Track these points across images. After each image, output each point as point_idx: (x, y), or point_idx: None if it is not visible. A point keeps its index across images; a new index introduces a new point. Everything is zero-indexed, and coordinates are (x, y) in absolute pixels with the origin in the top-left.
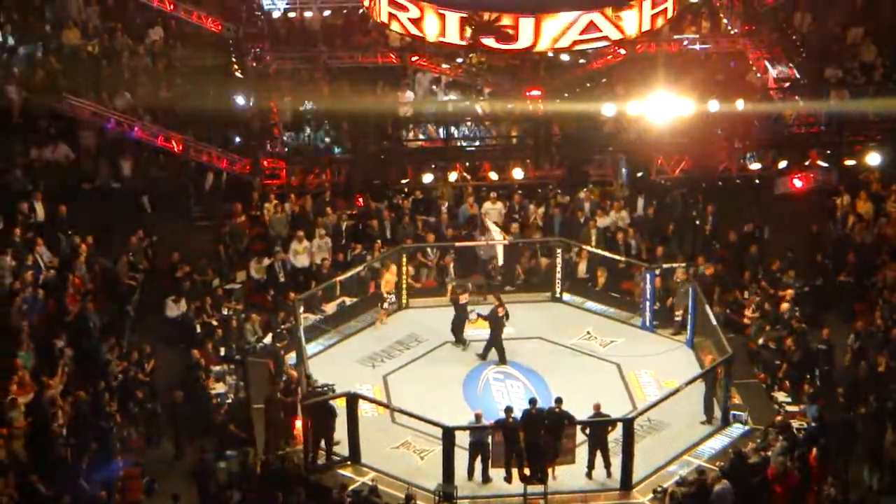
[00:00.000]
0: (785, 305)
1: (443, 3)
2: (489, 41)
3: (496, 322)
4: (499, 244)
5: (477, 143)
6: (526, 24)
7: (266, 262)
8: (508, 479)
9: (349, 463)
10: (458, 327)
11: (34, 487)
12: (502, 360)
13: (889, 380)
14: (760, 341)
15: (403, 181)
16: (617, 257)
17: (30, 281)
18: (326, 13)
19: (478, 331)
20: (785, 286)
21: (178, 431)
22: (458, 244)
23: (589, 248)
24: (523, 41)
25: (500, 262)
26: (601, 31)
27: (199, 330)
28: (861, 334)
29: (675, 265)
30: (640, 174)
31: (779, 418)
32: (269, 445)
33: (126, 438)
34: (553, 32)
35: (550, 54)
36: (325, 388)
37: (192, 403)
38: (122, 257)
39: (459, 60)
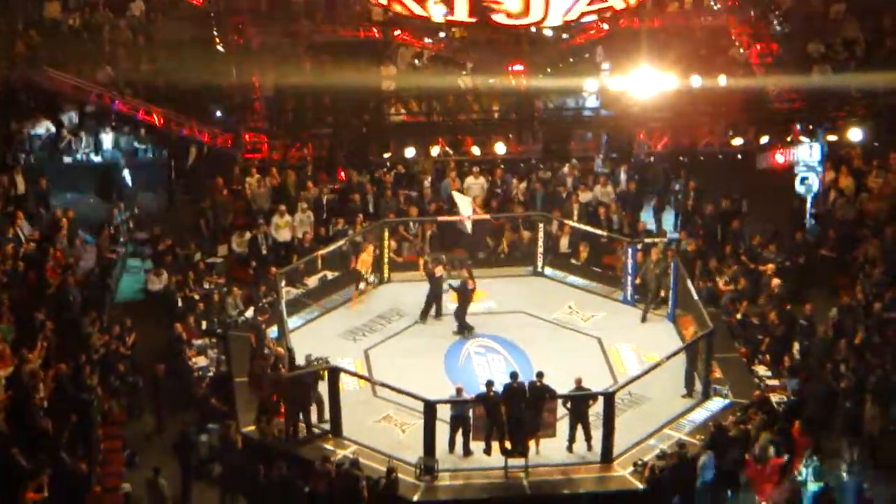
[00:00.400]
0: (776, 281)
1: None
2: (500, 17)
3: (464, 294)
4: (466, 217)
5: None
6: None
7: (248, 235)
8: (488, 451)
9: (331, 436)
10: (432, 300)
11: (15, 460)
12: (460, 331)
13: (869, 353)
14: (739, 315)
15: (386, 155)
16: (599, 232)
17: (10, 254)
18: None
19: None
20: (765, 261)
21: (159, 405)
22: (439, 218)
23: (571, 222)
24: (534, 15)
25: (469, 231)
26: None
27: (180, 304)
28: (844, 308)
29: (655, 240)
30: (621, 149)
31: (758, 392)
32: (259, 420)
33: (107, 412)
34: (564, 5)
35: (534, 29)
36: (319, 361)
37: (174, 377)
38: (104, 231)
39: (442, 35)
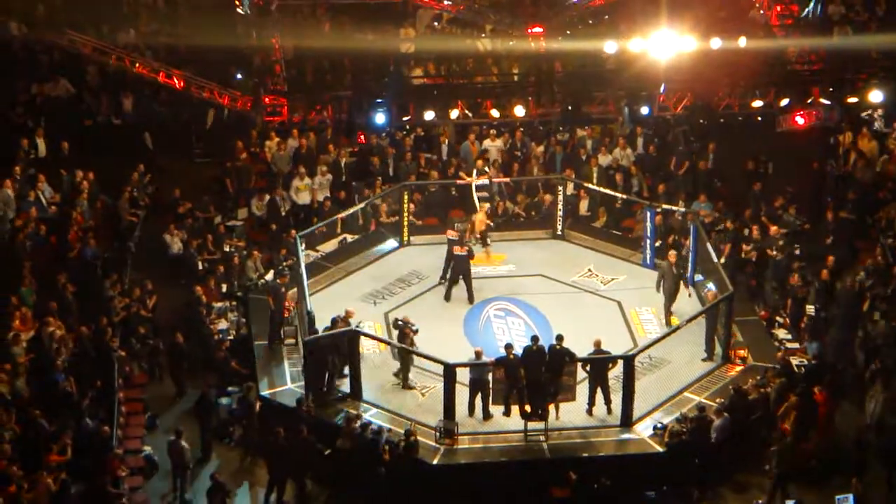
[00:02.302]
0: (774, 229)
1: None
2: None
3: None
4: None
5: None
6: None
7: (267, 198)
8: (507, 413)
9: (350, 399)
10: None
11: (37, 423)
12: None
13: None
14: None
15: (405, 118)
16: (618, 195)
17: (32, 217)
18: None
19: (479, 267)
20: (785, 224)
21: (179, 372)
22: (458, 181)
23: (590, 185)
24: None
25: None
26: None
27: (200, 267)
28: (869, 270)
29: (674, 207)
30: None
31: (779, 354)
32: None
33: (128, 374)
34: None
35: None
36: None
37: (194, 340)
38: (124, 194)
39: None
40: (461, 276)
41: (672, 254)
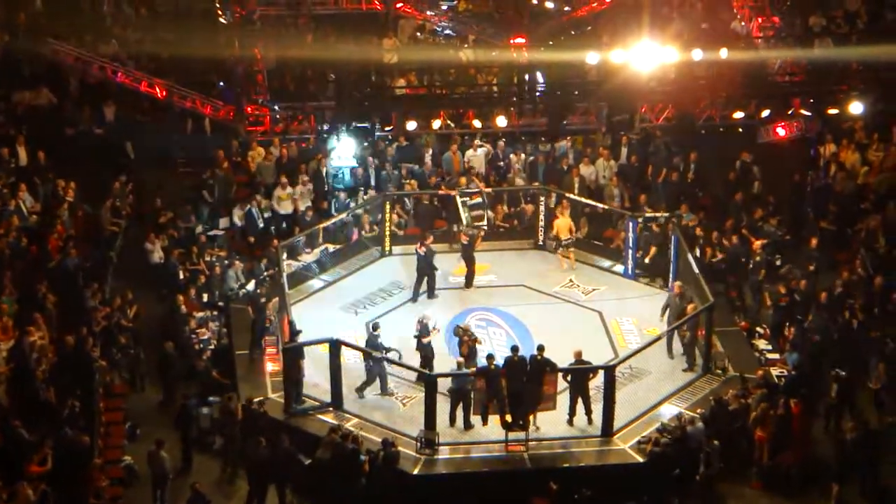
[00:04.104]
0: (757, 244)
1: None
2: None
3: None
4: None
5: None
6: None
7: (247, 207)
8: (485, 422)
9: (332, 409)
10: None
11: (17, 432)
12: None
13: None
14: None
15: (387, 128)
16: (599, 205)
17: (13, 226)
18: None
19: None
20: (765, 234)
21: (167, 381)
22: (440, 192)
23: (571, 195)
24: None
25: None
26: None
27: (181, 276)
28: (847, 283)
29: (656, 214)
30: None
31: (760, 372)
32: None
33: (109, 384)
34: None
35: (535, 1)
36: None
37: (176, 349)
38: (105, 203)
39: (444, 7)
40: (425, 275)
41: (678, 285)
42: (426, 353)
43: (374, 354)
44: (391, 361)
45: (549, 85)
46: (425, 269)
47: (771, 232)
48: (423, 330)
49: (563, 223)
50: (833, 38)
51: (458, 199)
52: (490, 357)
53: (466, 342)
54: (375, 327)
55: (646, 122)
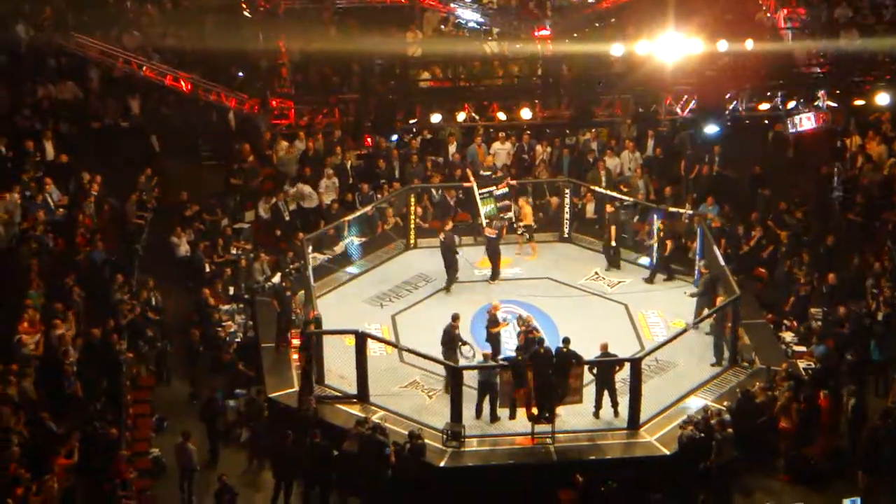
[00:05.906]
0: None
1: None
2: None
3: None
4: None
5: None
6: None
7: (273, 200)
8: (512, 415)
9: (357, 401)
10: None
11: (45, 425)
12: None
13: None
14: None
15: (412, 121)
16: (625, 198)
17: (40, 220)
18: None
19: (486, 270)
20: (789, 227)
21: (195, 371)
22: (465, 185)
23: (597, 188)
24: None
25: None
26: None
27: (207, 269)
28: (877, 274)
29: (681, 210)
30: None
31: (784, 366)
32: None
33: (136, 377)
34: None
35: None
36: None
37: (202, 342)
38: (131, 196)
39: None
40: (447, 265)
41: (703, 266)
42: (494, 344)
43: (402, 347)
44: (419, 354)
45: (574, 77)
46: (448, 258)
47: (794, 225)
48: (492, 321)
49: (528, 211)
50: (859, 28)
51: (477, 192)
52: (541, 341)
53: (524, 332)
54: (455, 318)
55: (671, 115)
